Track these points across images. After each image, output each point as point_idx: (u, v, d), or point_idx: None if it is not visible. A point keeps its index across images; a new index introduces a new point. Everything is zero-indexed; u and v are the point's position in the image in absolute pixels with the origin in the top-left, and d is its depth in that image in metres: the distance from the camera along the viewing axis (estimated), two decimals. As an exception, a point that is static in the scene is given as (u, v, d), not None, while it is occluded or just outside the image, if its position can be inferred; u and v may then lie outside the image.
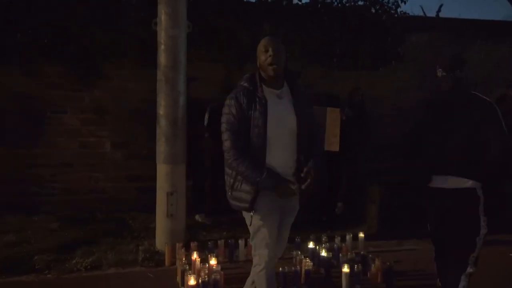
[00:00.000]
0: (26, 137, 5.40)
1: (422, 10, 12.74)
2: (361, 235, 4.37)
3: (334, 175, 5.59)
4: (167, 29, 4.30)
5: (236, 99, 2.42)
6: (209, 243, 4.05)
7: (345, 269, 3.37)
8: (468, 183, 2.56)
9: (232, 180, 2.48)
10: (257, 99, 2.40)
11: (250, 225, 2.51)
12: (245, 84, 2.47)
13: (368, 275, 3.60)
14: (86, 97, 5.66)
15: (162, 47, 4.33)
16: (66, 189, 5.51)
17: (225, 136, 2.44)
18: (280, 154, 2.42)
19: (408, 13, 7.03)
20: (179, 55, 4.35)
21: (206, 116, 5.35)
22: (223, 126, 2.45)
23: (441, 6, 7.61)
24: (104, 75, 5.66)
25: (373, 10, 6.78)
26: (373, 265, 3.57)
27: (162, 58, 4.33)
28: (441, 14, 7.59)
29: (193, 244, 3.89)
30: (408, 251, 4.44)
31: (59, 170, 5.53)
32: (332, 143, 5.12)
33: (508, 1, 14.56)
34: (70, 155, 5.58)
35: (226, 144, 2.43)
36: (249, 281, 2.69)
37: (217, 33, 5.95)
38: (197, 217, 5.27)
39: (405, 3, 6.95)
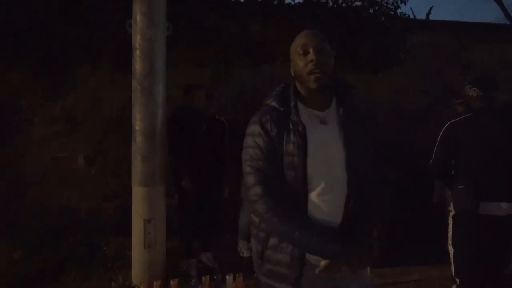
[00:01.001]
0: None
1: (412, 12, 12.45)
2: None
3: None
4: (143, 31, 3.74)
5: (261, 125, 1.69)
6: (192, 280, 3.53)
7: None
8: None
9: (260, 247, 1.74)
10: (291, 126, 1.67)
11: None
12: (274, 104, 1.75)
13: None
14: (57, 105, 5.10)
15: (138, 52, 3.76)
16: (33, 210, 4.94)
17: (251, 179, 1.69)
18: (324, 205, 1.66)
19: (408, 15, 6.56)
20: (157, 62, 3.79)
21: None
22: (247, 166, 1.70)
23: (431, 8, 7.21)
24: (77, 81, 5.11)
25: (371, 11, 6.30)
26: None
27: (138, 65, 3.77)
28: (431, 17, 7.22)
29: (173, 282, 3.36)
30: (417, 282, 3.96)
31: (26, 188, 4.96)
32: None
33: (498, 4, 14.39)
34: (39, 170, 5.02)
35: (255, 190, 1.67)
36: None
37: (202, 33, 5.42)
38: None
39: (405, 3, 6.50)
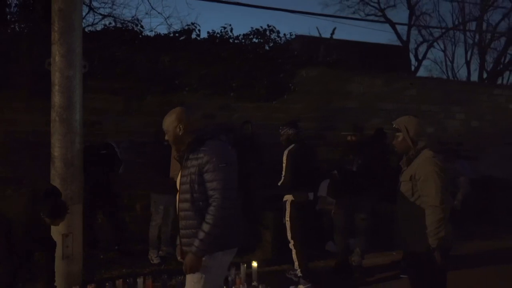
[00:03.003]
0: None
1: (318, 31, 13.97)
2: (254, 264, 4.71)
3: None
4: (62, 70, 4.28)
5: None
6: (107, 283, 4.11)
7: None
8: None
9: None
10: None
11: None
12: None
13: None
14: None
15: (56, 87, 4.30)
16: None
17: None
18: None
19: (296, 52, 7.69)
20: (74, 96, 4.35)
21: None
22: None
23: (334, 29, 8.73)
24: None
25: (267, 48, 7.32)
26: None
27: (56, 98, 4.30)
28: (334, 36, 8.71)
29: (89, 287, 3.93)
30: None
31: None
32: None
33: (392, 28, 16.38)
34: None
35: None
36: None
37: (115, 65, 6.00)
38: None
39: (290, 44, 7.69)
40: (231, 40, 7.10)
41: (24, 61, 5.40)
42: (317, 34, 11.84)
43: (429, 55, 20.38)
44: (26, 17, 5.58)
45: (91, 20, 10.18)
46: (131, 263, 5.22)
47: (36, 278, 3.70)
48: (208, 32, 7.04)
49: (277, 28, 7.37)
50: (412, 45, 18.94)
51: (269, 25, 7.38)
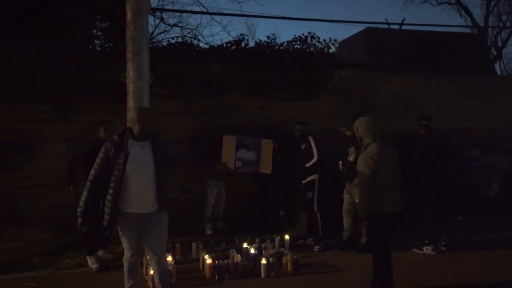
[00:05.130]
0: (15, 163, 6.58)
1: (387, 22, 12.55)
2: (287, 237, 5.79)
3: (272, 190, 7.09)
4: (134, 82, 5.63)
5: (105, 148, 3.68)
6: (168, 244, 5.36)
7: (263, 261, 4.77)
8: None
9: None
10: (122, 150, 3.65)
11: None
12: (116, 138, 3.71)
13: (282, 266, 5.00)
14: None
15: (130, 95, 5.66)
16: (53, 206, 6.69)
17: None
18: (137, 190, 3.65)
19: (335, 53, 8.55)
20: (144, 101, 5.67)
21: None
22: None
23: (403, 20, 9.55)
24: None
25: (308, 51, 8.28)
26: (283, 258, 4.96)
27: (130, 103, 5.65)
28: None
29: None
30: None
31: (48, 190, 6.69)
32: (266, 167, 6.60)
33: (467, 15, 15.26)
34: (57, 176, 6.74)
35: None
36: None
37: (176, 74, 7.28)
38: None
39: (334, 46, 8.56)
40: (276, 47, 8.17)
41: (107, 73, 6.82)
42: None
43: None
44: (109, 38, 7.02)
45: (162, 28, 11.72)
46: (190, 234, 6.44)
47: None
48: (255, 42, 8.20)
49: (317, 35, 8.34)
50: (490, 33, 17.93)
51: (310, 32, 8.36)
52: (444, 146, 6.27)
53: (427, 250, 5.72)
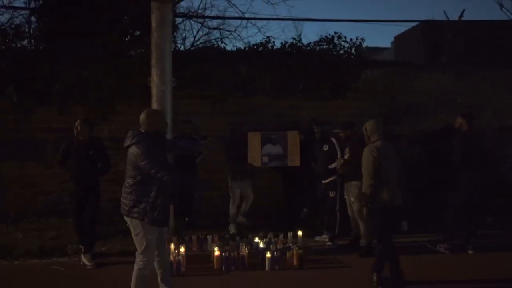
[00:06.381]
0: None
1: (445, 14, 11.16)
2: (299, 233, 6.00)
3: (297, 188, 7.28)
4: (158, 86, 6.05)
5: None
6: (185, 237, 5.78)
7: (267, 254, 5.03)
8: None
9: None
10: None
11: None
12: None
13: (287, 260, 5.24)
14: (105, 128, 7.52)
15: (154, 97, 6.09)
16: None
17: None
18: None
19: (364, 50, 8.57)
20: (166, 103, 6.08)
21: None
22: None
23: (463, 11, 9.42)
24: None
25: (335, 52, 8.39)
26: (288, 252, 5.18)
27: (154, 105, 6.06)
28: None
29: (174, 238, 5.60)
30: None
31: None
32: (294, 159, 6.66)
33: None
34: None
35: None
36: None
37: (203, 76, 7.69)
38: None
39: (361, 44, 8.59)
40: (303, 48, 8.36)
41: (137, 77, 7.35)
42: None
43: None
44: (138, 44, 7.60)
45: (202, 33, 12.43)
46: (215, 229, 6.74)
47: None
48: (281, 43, 8.45)
49: (344, 34, 8.43)
50: None
51: (336, 32, 8.48)
52: (484, 146, 6.11)
53: (440, 248, 5.73)
